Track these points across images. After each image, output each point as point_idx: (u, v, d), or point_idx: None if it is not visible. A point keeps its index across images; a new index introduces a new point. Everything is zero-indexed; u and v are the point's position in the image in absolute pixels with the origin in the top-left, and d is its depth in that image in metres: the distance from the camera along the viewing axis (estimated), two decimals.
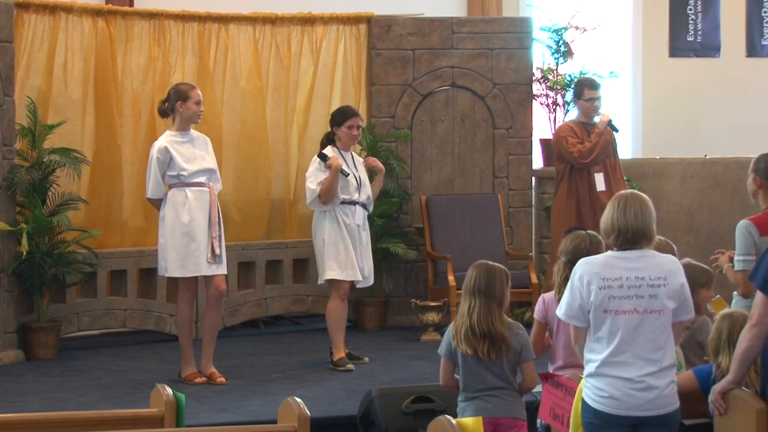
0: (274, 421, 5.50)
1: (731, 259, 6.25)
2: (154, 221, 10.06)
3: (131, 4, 11.16)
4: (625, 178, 10.19)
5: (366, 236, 8.80)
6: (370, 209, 8.97)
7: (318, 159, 8.63)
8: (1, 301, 8.98)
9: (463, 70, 10.92)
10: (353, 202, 8.68)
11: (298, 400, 5.23)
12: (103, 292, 9.69)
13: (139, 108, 10.07)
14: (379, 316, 10.55)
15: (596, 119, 9.43)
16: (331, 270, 8.61)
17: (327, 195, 8.54)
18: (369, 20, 10.87)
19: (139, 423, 5.39)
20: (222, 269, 8.20)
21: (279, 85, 10.64)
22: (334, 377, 8.44)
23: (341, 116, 8.79)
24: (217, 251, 8.12)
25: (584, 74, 11.40)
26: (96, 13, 9.93)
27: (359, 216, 8.71)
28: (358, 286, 8.89)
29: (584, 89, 9.43)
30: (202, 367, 8.30)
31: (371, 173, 9.01)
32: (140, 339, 10.00)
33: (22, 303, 9.22)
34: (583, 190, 9.33)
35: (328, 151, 8.69)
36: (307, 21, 10.72)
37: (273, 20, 10.61)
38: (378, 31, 10.85)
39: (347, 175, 8.62)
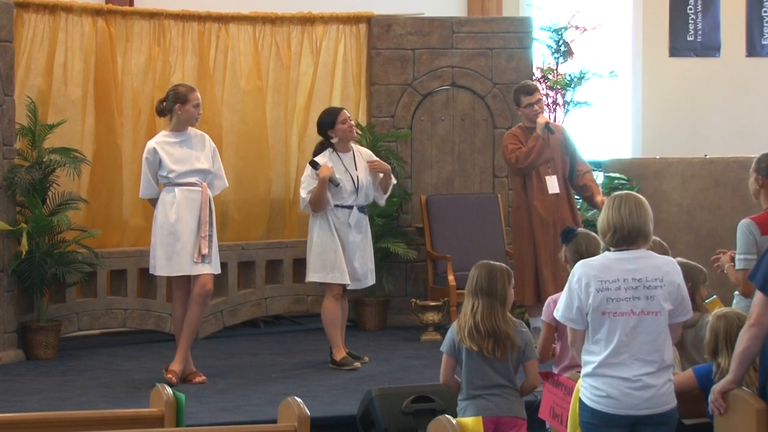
0: (274, 421, 5.50)
1: (732, 259, 6.25)
2: None
3: (131, 4, 11.16)
4: (624, 177, 10.19)
5: (360, 237, 8.68)
6: (382, 202, 8.89)
7: (310, 166, 8.61)
8: (1, 301, 8.98)
9: (463, 70, 10.92)
10: (350, 206, 8.64)
11: (298, 400, 5.24)
12: (103, 291, 9.70)
13: (139, 108, 10.08)
14: (379, 315, 10.55)
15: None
16: (314, 272, 8.61)
17: (316, 204, 8.52)
18: (369, 20, 10.87)
19: (139, 423, 5.39)
20: (209, 269, 8.16)
21: (279, 84, 10.65)
22: (334, 377, 8.44)
23: (330, 117, 8.69)
24: (204, 251, 8.11)
25: (584, 74, 11.41)
26: (96, 12, 9.94)
27: (353, 217, 8.64)
28: (349, 287, 8.74)
29: (521, 97, 9.21)
30: (172, 364, 8.13)
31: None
32: (140, 339, 10.00)
33: (22, 303, 9.22)
34: (537, 198, 9.23)
35: (325, 156, 8.64)
36: (307, 21, 10.73)
37: (273, 20, 10.62)
38: (378, 30, 10.85)
39: (338, 184, 8.55)
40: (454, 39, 10.93)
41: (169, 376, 8.05)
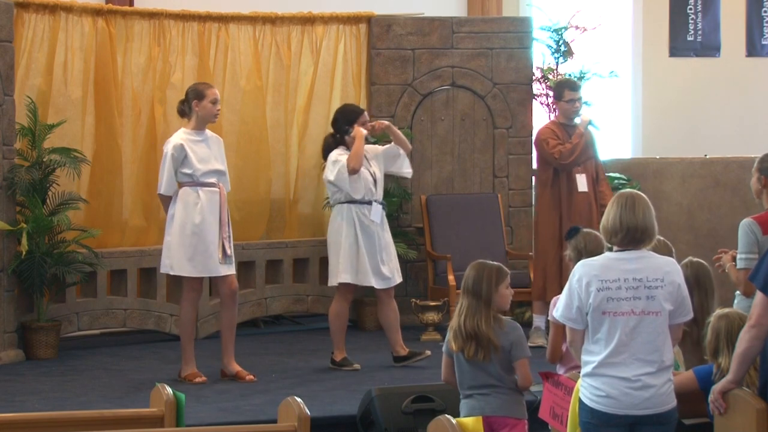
0: (274, 421, 5.50)
1: (734, 258, 6.24)
2: (154, 221, 10.08)
3: (131, 4, 11.16)
4: (624, 177, 10.21)
5: (387, 235, 8.69)
6: (408, 170, 8.89)
7: (335, 153, 8.55)
8: (1, 301, 8.98)
9: (463, 70, 10.92)
10: (369, 201, 8.62)
11: (298, 399, 5.23)
12: (103, 291, 9.69)
13: (139, 108, 10.08)
14: (377, 316, 10.53)
15: (577, 120, 9.45)
16: (345, 273, 8.56)
17: (356, 158, 8.43)
18: (369, 20, 10.87)
19: (139, 423, 5.39)
20: (232, 269, 8.23)
21: (279, 84, 10.65)
22: (334, 377, 8.44)
23: (352, 116, 8.66)
24: (228, 252, 8.14)
25: (584, 74, 11.41)
26: (96, 12, 9.93)
27: (377, 213, 8.61)
28: (379, 287, 8.68)
29: (564, 90, 9.46)
30: (224, 366, 8.31)
31: (386, 136, 8.93)
32: (140, 339, 10.00)
33: (22, 302, 9.22)
34: (565, 194, 9.35)
35: (340, 151, 8.58)
36: (307, 21, 10.72)
37: (273, 20, 10.62)
38: (378, 30, 10.85)
39: (374, 141, 8.63)
40: (454, 39, 10.93)
41: (250, 377, 8.25)
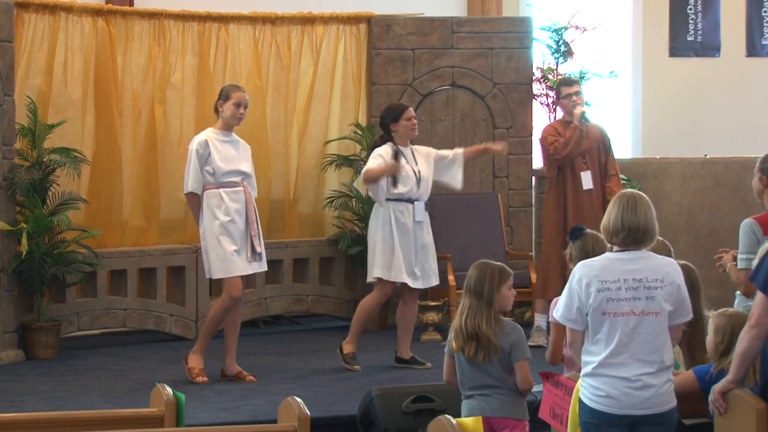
0: (274, 421, 5.50)
1: (734, 258, 6.24)
2: (154, 221, 10.09)
3: (131, 4, 11.15)
4: (624, 177, 10.22)
5: (425, 236, 8.67)
6: (458, 183, 8.85)
7: (378, 149, 8.56)
8: (1, 301, 8.98)
9: (463, 70, 10.92)
10: (411, 200, 8.60)
11: (298, 400, 5.24)
12: (103, 291, 9.69)
13: (139, 108, 10.07)
14: (379, 316, 10.51)
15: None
16: (377, 268, 8.56)
17: (369, 176, 8.45)
18: (369, 20, 10.87)
19: (139, 423, 5.39)
20: (262, 266, 8.30)
21: (279, 84, 10.64)
22: (334, 377, 8.44)
23: (396, 112, 8.67)
24: (258, 249, 8.15)
25: (584, 74, 11.42)
26: (96, 12, 9.93)
27: (419, 213, 8.61)
28: (412, 286, 8.65)
29: (561, 88, 9.64)
30: (225, 366, 8.33)
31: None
32: (140, 339, 10.00)
33: (22, 302, 9.22)
34: (570, 193, 9.40)
35: (387, 147, 8.57)
36: (307, 21, 10.72)
37: (273, 20, 10.61)
38: (378, 30, 10.85)
39: (395, 182, 8.55)
40: (454, 39, 10.93)
41: (250, 378, 8.29)
